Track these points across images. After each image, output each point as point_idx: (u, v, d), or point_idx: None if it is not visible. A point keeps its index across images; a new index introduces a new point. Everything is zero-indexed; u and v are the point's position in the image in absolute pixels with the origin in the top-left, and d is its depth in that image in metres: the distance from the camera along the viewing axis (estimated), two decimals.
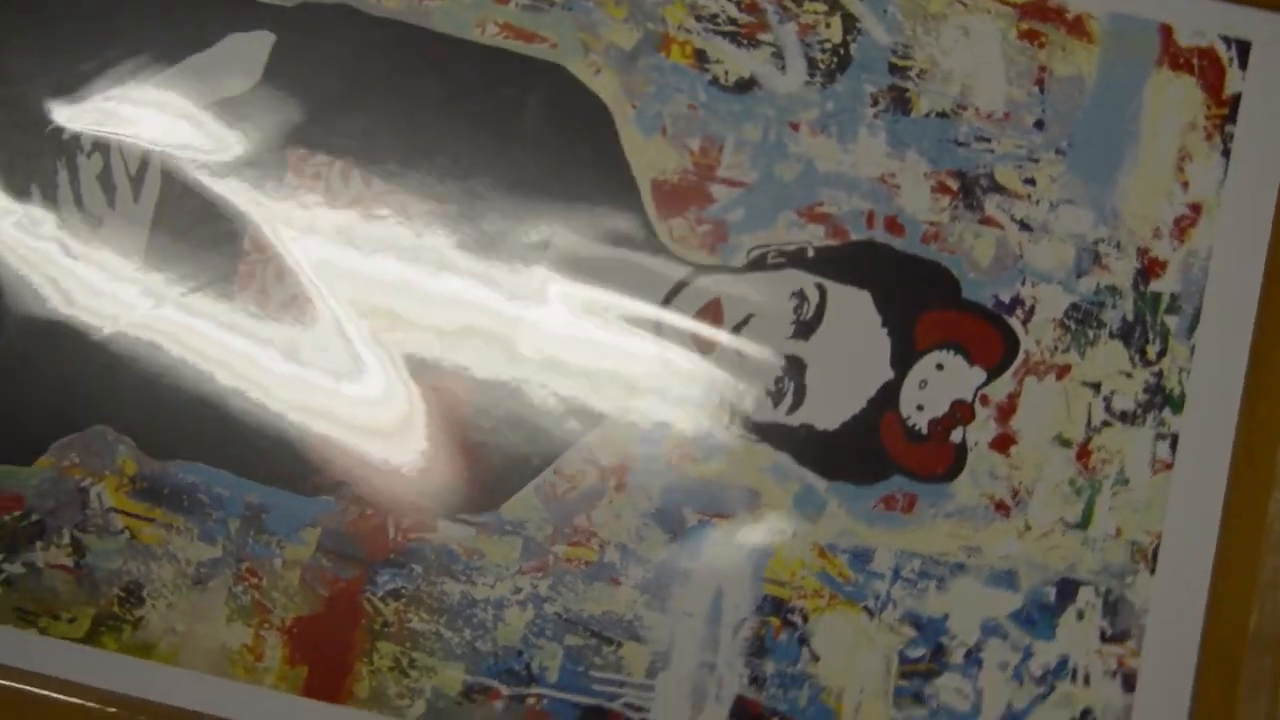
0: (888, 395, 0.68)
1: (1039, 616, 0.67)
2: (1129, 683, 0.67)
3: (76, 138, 0.68)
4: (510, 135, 0.68)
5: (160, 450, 0.67)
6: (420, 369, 0.67)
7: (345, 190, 0.68)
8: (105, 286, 0.67)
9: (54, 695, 0.66)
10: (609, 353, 0.67)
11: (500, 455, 0.67)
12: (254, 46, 0.69)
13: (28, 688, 0.66)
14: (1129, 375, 0.67)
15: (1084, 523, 0.67)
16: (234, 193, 0.68)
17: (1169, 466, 0.67)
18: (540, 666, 0.67)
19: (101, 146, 0.68)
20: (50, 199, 0.68)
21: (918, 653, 0.68)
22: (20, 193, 0.67)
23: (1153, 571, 0.67)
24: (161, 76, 0.69)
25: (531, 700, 0.67)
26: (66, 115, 0.68)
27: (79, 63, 0.68)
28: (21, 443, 0.67)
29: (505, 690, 0.67)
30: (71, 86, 0.68)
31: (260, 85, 0.69)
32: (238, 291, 0.68)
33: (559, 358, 0.67)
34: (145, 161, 0.68)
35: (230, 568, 0.67)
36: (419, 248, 0.68)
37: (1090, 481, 0.68)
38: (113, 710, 0.66)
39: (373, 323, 0.67)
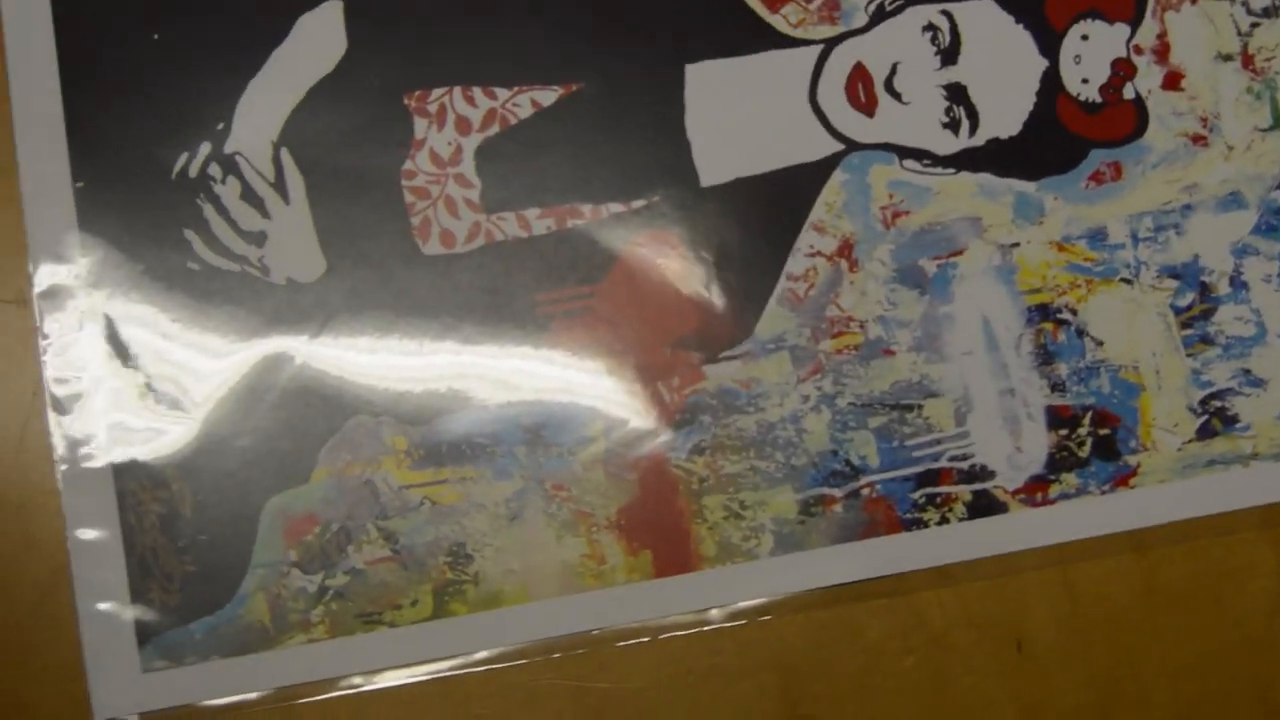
0: (1051, 81, 0.70)
1: (1276, 221, 0.69)
2: None
3: (204, 172, 0.68)
4: None
5: (420, 415, 0.67)
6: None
7: (475, 110, 0.69)
8: (299, 299, 0.68)
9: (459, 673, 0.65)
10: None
11: (730, 286, 0.68)
12: (328, 18, 0.70)
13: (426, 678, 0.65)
14: None
15: (1275, 121, 0.69)
16: (374, 156, 0.68)
17: None
18: (859, 457, 0.68)
19: (231, 168, 0.69)
20: (209, 236, 0.68)
21: (1186, 300, 0.69)
22: (178, 242, 0.67)
23: None
24: (256, 82, 0.69)
25: (865, 491, 0.68)
26: (185, 156, 0.69)
27: (182, 106, 0.68)
28: (293, 464, 0.67)
29: (838, 492, 0.67)
30: (180, 127, 0.69)
31: (350, 51, 0.69)
32: (423, 243, 0.68)
33: None
34: (278, 164, 0.69)
35: (536, 492, 0.67)
36: (572, 126, 0.68)
37: (1264, 81, 0.69)
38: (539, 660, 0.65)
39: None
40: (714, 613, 0.66)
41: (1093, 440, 0.67)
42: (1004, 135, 0.70)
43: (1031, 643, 0.66)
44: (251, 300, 0.68)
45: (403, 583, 0.67)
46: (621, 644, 0.66)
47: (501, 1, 0.69)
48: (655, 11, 0.69)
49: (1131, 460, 0.67)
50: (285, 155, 0.69)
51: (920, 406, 0.68)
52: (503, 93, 0.69)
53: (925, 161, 0.68)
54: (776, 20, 0.70)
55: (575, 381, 0.67)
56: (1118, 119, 0.69)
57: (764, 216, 0.69)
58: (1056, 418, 0.68)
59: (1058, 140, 0.69)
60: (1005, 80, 0.69)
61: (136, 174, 0.69)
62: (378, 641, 0.67)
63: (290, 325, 0.68)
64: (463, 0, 0.69)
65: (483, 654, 0.66)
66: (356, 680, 0.66)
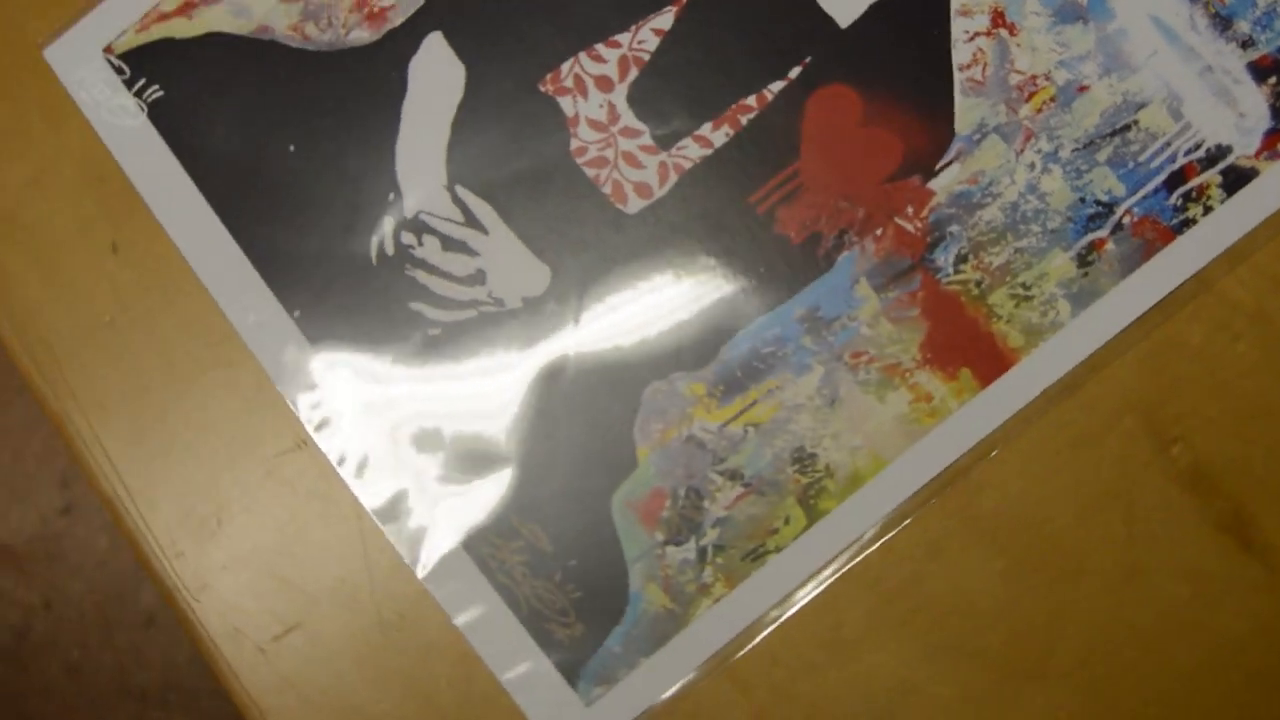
0: None
1: None
2: None
3: (399, 245, 0.70)
4: None
5: (702, 356, 0.69)
6: None
7: (607, 65, 0.70)
8: (542, 309, 0.71)
9: None
10: None
11: (913, 104, 0.69)
12: (436, 53, 0.71)
13: None
14: None
15: None
16: (539, 150, 0.69)
17: None
18: (1105, 193, 0.69)
19: (422, 229, 0.70)
20: (434, 298, 0.69)
21: None
22: (410, 316, 0.70)
23: None
24: (401, 143, 0.70)
25: (1126, 219, 0.69)
26: (375, 239, 0.70)
27: (347, 198, 0.70)
28: (615, 455, 0.68)
29: (1103, 233, 0.69)
30: (355, 217, 0.70)
31: (470, 70, 0.70)
32: (623, 205, 0.69)
33: None
34: (460, 204, 0.70)
35: (839, 369, 0.69)
36: (700, 34, 0.70)
37: None
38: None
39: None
40: (1047, 394, 0.68)
41: None
42: None
43: None
44: (501, 333, 0.69)
45: (767, 508, 0.68)
46: (982, 461, 0.67)
47: None
48: None
49: None
50: (462, 191, 0.70)
51: (1135, 122, 0.69)
52: (623, 37, 0.70)
53: None
54: None
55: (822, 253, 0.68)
56: None
57: (911, 28, 0.69)
58: (1260, 70, 0.69)
59: None
60: None
61: (340, 277, 0.70)
62: (773, 570, 0.68)
63: (547, 335, 0.69)
64: None
65: (870, 531, 0.67)
66: (773, 614, 0.68)
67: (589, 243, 0.69)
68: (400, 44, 0.72)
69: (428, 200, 0.71)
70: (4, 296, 0.71)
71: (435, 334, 0.70)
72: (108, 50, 0.73)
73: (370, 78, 0.71)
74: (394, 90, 0.72)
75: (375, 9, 0.72)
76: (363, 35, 0.72)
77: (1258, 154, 0.68)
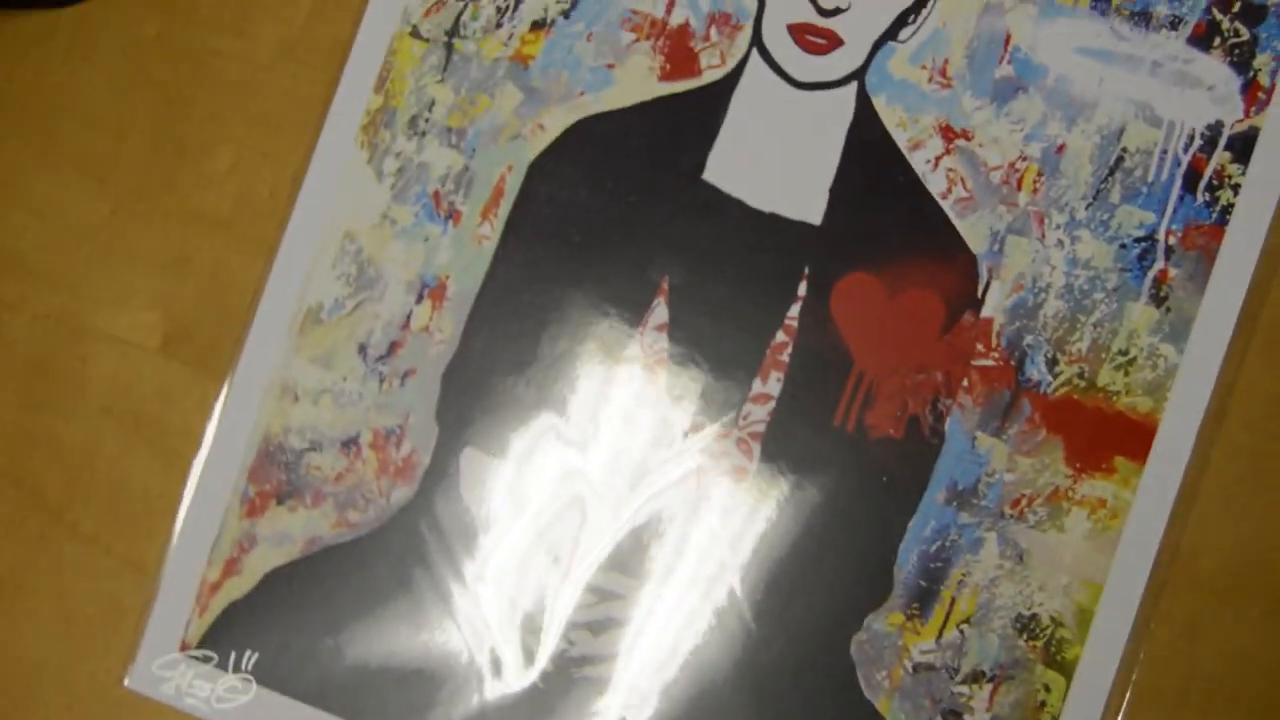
0: None
1: None
2: None
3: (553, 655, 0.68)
4: None
5: (877, 590, 0.67)
6: None
7: (633, 385, 0.68)
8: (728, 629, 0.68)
9: None
10: None
11: (917, 257, 0.69)
12: (474, 465, 0.69)
13: None
14: None
15: None
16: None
17: None
18: (1138, 226, 0.68)
19: (569, 629, 0.68)
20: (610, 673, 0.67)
21: None
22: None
23: None
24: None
25: (1171, 240, 0.68)
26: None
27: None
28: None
29: (1160, 264, 0.68)
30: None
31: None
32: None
33: None
34: (592, 588, 0.68)
35: (1010, 526, 0.68)
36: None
37: None
38: None
39: None
40: (1203, 435, 0.66)
41: None
42: None
43: None
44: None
45: (1024, 689, 0.69)
46: (1187, 529, 0.67)
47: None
48: None
49: None
50: (595, 578, 0.68)
51: (1124, 150, 0.69)
52: (633, 349, 0.68)
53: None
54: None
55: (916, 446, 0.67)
56: None
57: (878, 187, 0.68)
58: (1201, 40, 0.68)
59: None
60: None
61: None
62: None
63: (734, 645, 0.67)
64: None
65: (1125, 649, 0.65)
66: None
67: (720, 549, 0.68)
68: (437, 489, 0.70)
69: (556, 604, 0.68)
70: None
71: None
72: (184, 648, 0.70)
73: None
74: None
75: (399, 464, 0.70)
76: (404, 493, 0.70)
77: (1246, 113, 0.67)
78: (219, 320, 0.73)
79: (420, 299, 0.71)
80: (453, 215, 0.71)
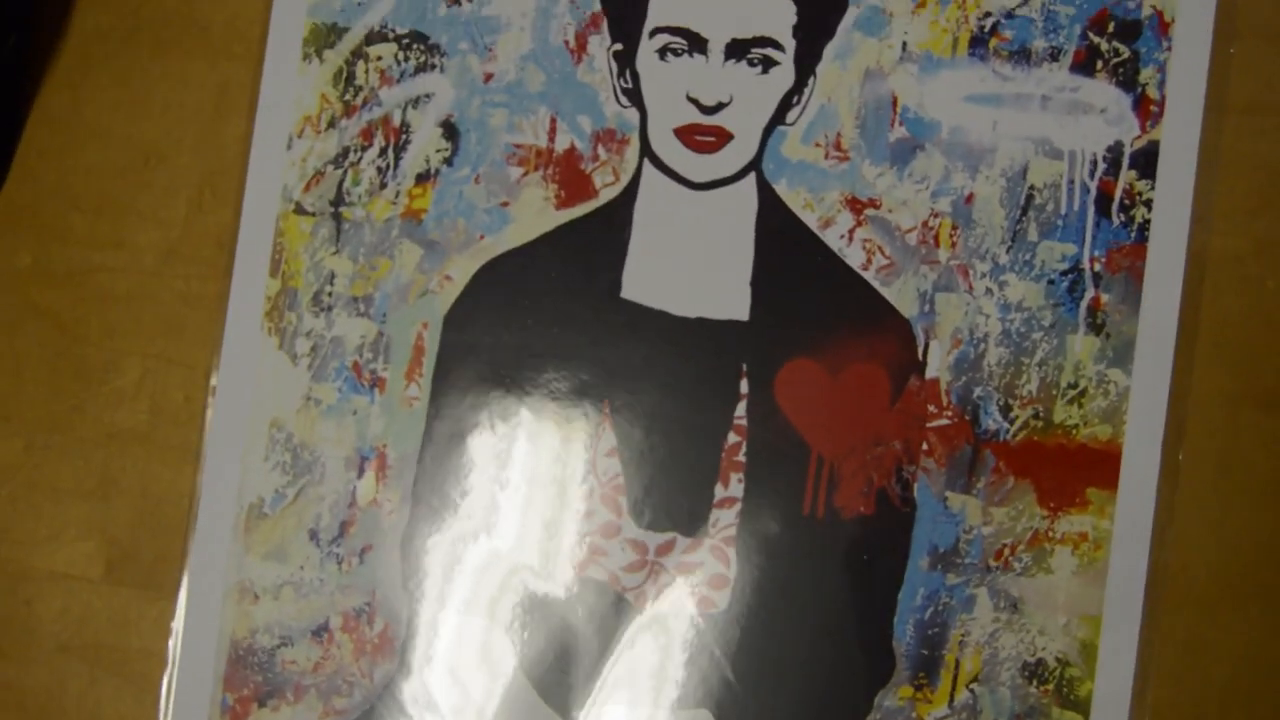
0: None
1: None
2: None
3: None
4: None
5: (880, 667, 0.66)
6: None
7: (596, 517, 0.67)
8: None
9: None
10: None
11: (847, 331, 0.67)
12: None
13: None
14: None
15: None
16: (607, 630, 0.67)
17: None
18: (1062, 259, 0.68)
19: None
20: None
21: None
22: None
23: None
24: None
25: (1097, 266, 0.67)
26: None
27: None
28: None
29: (1090, 291, 0.67)
30: None
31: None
32: (703, 609, 0.66)
33: None
34: None
35: (998, 577, 0.68)
36: None
37: None
38: None
39: None
40: (1167, 447, 0.66)
41: None
42: None
43: None
44: None
45: None
46: (1170, 544, 0.67)
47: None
48: None
49: None
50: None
51: (1032, 187, 0.69)
52: (590, 483, 0.67)
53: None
54: None
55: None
56: None
57: (797, 270, 0.67)
58: (1083, 65, 0.68)
59: None
60: None
61: None
62: None
63: None
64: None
65: (1133, 672, 0.66)
66: None
67: (715, 659, 0.67)
68: (418, 659, 0.70)
69: None
70: None
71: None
72: None
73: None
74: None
75: (375, 641, 0.69)
76: (387, 669, 0.69)
77: (1143, 128, 0.67)
78: (159, 536, 0.70)
79: (362, 473, 0.69)
80: (377, 383, 0.69)
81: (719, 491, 0.67)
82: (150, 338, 0.71)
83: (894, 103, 0.67)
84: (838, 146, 0.67)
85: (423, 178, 0.70)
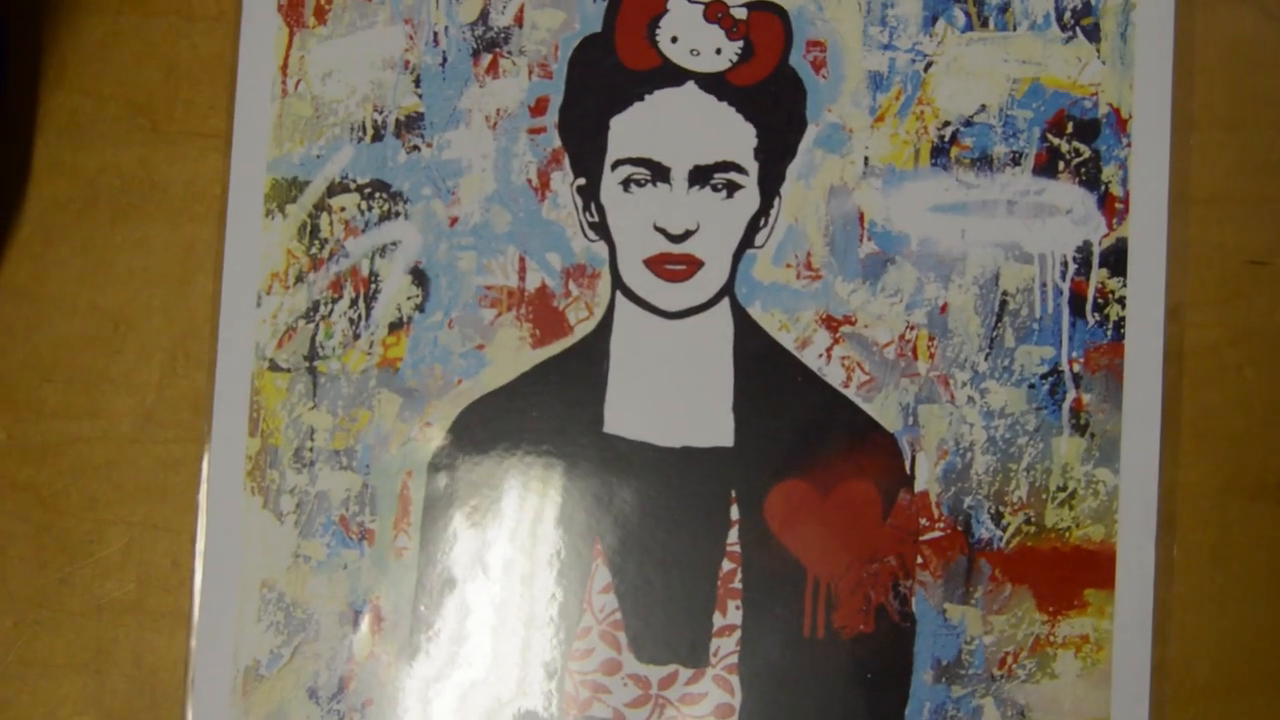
0: None
1: None
2: None
3: None
4: None
5: None
6: None
7: (593, 657, 0.67)
8: None
9: None
10: None
11: (835, 445, 0.67)
12: None
13: None
14: None
15: None
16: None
17: None
18: (1040, 362, 0.68)
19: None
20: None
21: None
22: None
23: None
24: None
25: (1075, 366, 0.67)
26: None
27: None
28: None
29: (1072, 392, 0.67)
30: None
31: None
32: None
33: None
34: None
35: (1003, 686, 0.68)
36: None
37: None
38: None
39: None
40: (1160, 543, 0.66)
41: None
42: None
43: None
44: None
45: None
46: (1171, 638, 0.66)
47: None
48: None
49: None
50: None
51: (1005, 294, 0.69)
52: (588, 620, 0.67)
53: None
54: None
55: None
56: None
57: (780, 403, 0.67)
58: (1045, 167, 0.68)
59: None
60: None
61: None
62: None
63: None
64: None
65: None
66: None
67: None
68: None
69: None
70: None
71: None
72: None
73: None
74: None
75: None
76: None
77: (1110, 226, 0.67)
78: (157, 706, 0.70)
79: (357, 627, 0.68)
80: (365, 536, 0.69)
81: (718, 620, 0.67)
82: (133, 505, 0.70)
83: (861, 218, 0.67)
84: (809, 266, 0.67)
85: (396, 326, 0.69)
